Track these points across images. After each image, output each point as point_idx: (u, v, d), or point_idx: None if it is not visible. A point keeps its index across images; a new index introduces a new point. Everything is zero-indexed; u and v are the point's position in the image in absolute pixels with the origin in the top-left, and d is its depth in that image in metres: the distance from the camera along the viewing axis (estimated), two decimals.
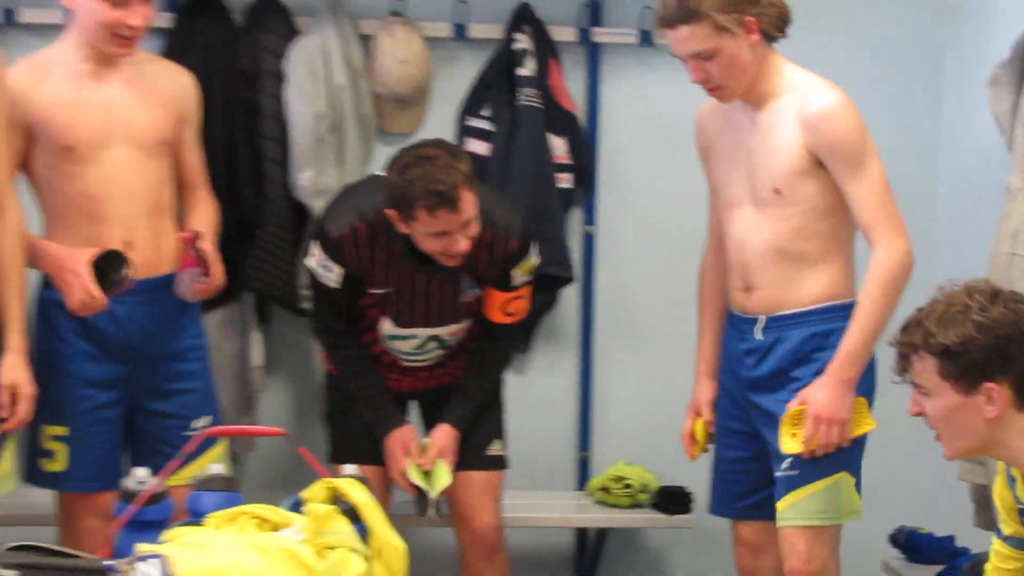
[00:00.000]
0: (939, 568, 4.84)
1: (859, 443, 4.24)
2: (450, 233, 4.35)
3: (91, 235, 4.39)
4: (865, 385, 4.16)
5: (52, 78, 4.43)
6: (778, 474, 4.20)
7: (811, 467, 4.14)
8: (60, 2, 4.30)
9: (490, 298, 4.71)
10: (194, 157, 4.66)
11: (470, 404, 4.75)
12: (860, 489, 4.27)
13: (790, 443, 4.06)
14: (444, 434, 4.70)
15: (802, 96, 4.10)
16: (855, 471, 4.23)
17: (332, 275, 4.62)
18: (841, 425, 4.04)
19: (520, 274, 4.67)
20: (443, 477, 4.69)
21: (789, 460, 4.15)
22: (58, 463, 4.53)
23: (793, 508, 4.17)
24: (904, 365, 3.29)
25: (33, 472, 4.54)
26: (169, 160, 4.54)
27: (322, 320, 4.82)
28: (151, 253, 4.45)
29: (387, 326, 4.68)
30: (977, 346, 3.16)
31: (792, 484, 4.17)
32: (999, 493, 3.47)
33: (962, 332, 3.17)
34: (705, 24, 4.03)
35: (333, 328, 4.78)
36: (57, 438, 4.51)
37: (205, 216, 4.66)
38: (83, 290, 4.28)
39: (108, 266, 4.31)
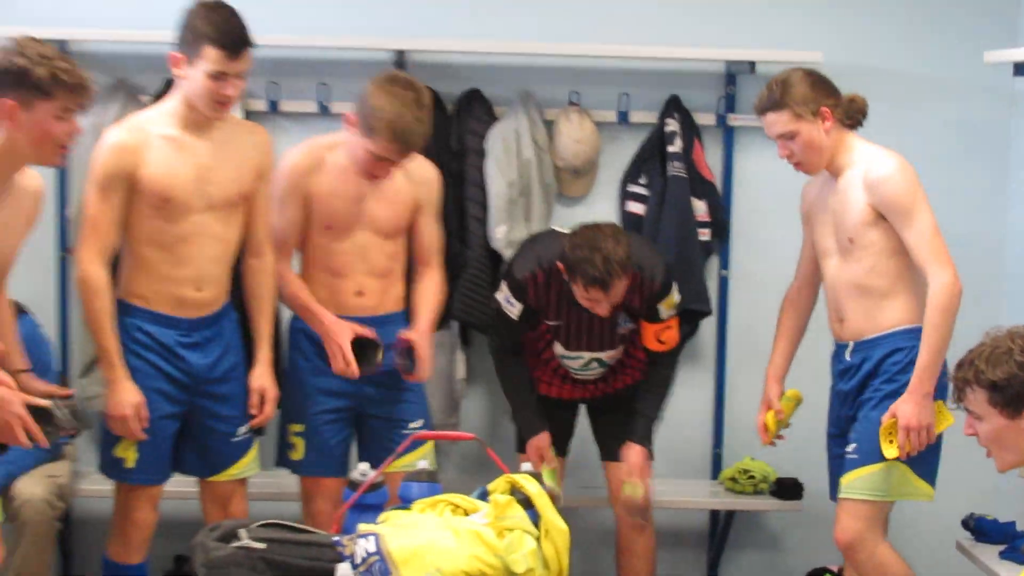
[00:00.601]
0: (1001, 547, 4.87)
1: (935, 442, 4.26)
2: (599, 302, 4.48)
3: (331, 286, 4.58)
4: (939, 388, 4.16)
5: (326, 169, 4.51)
6: (847, 454, 4.32)
7: (866, 453, 4.24)
8: (343, 124, 4.42)
9: (644, 330, 4.77)
10: (428, 237, 4.71)
11: (646, 420, 4.82)
12: (933, 475, 4.31)
13: (889, 450, 4.13)
14: (636, 453, 4.79)
15: (866, 165, 4.18)
16: (912, 461, 4.24)
17: (514, 309, 4.71)
18: (927, 429, 4.10)
19: (665, 308, 4.72)
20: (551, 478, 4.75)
21: (853, 446, 4.29)
22: (298, 453, 4.67)
23: (847, 485, 4.28)
24: (960, 395, 3.35)
25: (282, 459, 4.72)
26: (403, 240, 4.63)
27: (498, 341, 4.89)
28: (377, 301, 4.60)
29: (559, 348, 4.78)
30: (1019, 381, 3.21)
31: (851, 465, 4.29)
32: None
33: (1006, 370, 3.22)
34: (786, 112, 4.18)
35: (505, 348, 4.86)
36: (297, 434, 4.66)
37: (431, 292, 4.74)
38: (343, 361, 4.42)
39: (366, 347, 4.46)
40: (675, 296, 4.79)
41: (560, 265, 4.52)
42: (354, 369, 4.42)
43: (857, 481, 4.26)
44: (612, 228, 4.58)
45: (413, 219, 4.66)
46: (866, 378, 4.30)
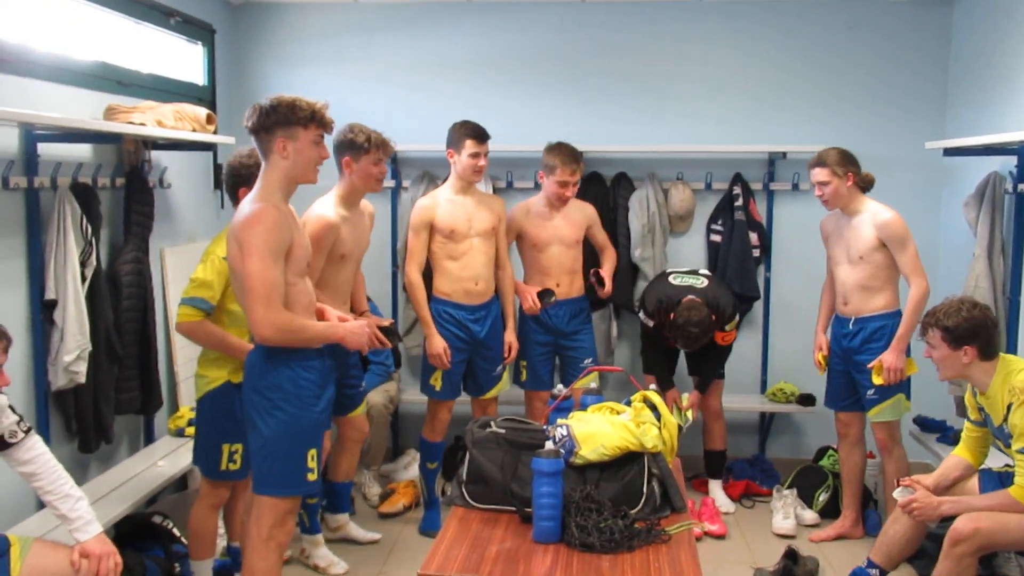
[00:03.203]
0: (937, 435, 4.84)
1: (907, 379, 4.27)
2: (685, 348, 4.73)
3: (540, 280, 4.59)
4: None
5: (532, 213, 4.56)
6: (867, 396, 4.31)
7: (882, 393, 4.26)
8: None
9: (716, 334, 4.70)
10: (601, 238, 4.77)
11: (714, 375, 4.89)
12: (911, 397, 4.33)
13: (877, 380, 4.19)
14: (705, 389, 4.90)
15: (873, 214, 4.20)
16: (907, 391, 4.29)
17: (651, 323, 4.79)
18: (900, 371, 4.15)
19: (729, 326, 4.79)
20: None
21: (872, 389, 4.28)
22: (523, 377, 4.70)
23: (876, 414, 4.31)
24: (924, 331, 3.46)
25: (516, 381, 4.75)
26: (580, 248, 4.67)
27: (647, 348, 4.84)
28: (567, 289, 4.63)
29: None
30: (963, 329, 3.33)
31: (872, 403, 4.32)
32: (968, 398, 3.60)
33: (956, 321, 3.34)
34: (827, 169, 4.21)
35: (650, 349, 4.83)
36: (524, 366, 4.71)
37: (610, 260, 4.76)
38: (529, 301, 4.48)
39: (546, 294, 4.50)
40: (736, 319, 4.87)
41: (669, 317, 4.72)
42: (537, 306, 4.49)
43: (883, 411, 4.32)
44: (696, 308, 4.56)
45: (587, 234, 4.72)
46: (864, 342, 4.28)
